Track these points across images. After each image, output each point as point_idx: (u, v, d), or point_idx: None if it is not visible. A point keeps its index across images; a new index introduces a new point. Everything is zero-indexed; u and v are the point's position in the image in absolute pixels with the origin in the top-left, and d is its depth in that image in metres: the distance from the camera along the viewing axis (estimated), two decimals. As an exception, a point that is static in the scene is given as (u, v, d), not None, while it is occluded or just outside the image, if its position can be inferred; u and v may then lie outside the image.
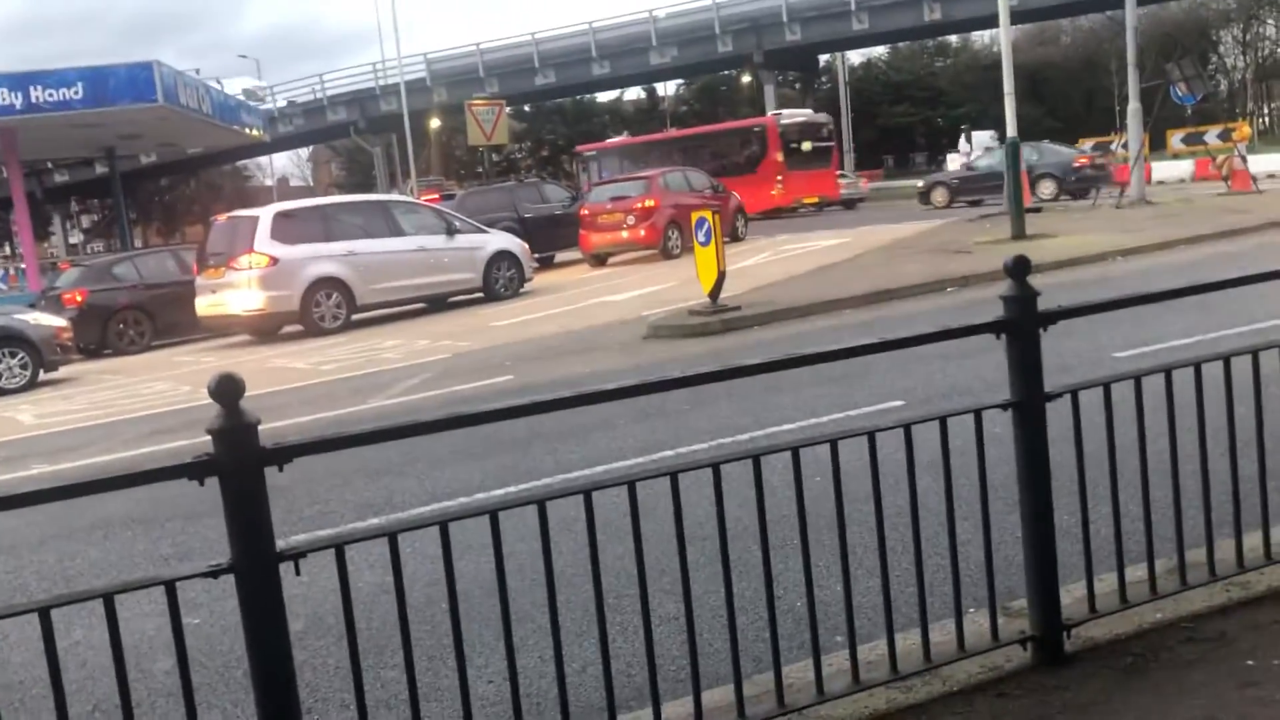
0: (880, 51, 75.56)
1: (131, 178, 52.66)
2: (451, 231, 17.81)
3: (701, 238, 11.96)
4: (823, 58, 60.32)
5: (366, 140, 60.73)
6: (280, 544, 2.44)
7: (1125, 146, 24.71)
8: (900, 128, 73.52)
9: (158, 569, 5.48)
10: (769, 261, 18.26)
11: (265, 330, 16.50)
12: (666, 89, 76.12)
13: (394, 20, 59.44)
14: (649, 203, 21.70)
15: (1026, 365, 3.17)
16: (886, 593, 3.07)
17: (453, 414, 2.71)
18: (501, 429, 6.89)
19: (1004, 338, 3.17)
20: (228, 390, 2.35)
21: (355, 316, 16.50)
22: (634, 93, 76.63)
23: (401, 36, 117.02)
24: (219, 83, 29.50)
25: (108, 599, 2.33)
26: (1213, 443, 3.48)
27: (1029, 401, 3.16)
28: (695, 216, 12.37)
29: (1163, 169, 31.66)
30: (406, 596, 2.61)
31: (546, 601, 2.73)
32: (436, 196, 24.22)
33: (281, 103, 58.23)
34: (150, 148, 39.60)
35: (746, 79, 62.68)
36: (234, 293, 15.89)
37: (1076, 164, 28.79)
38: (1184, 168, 32.14)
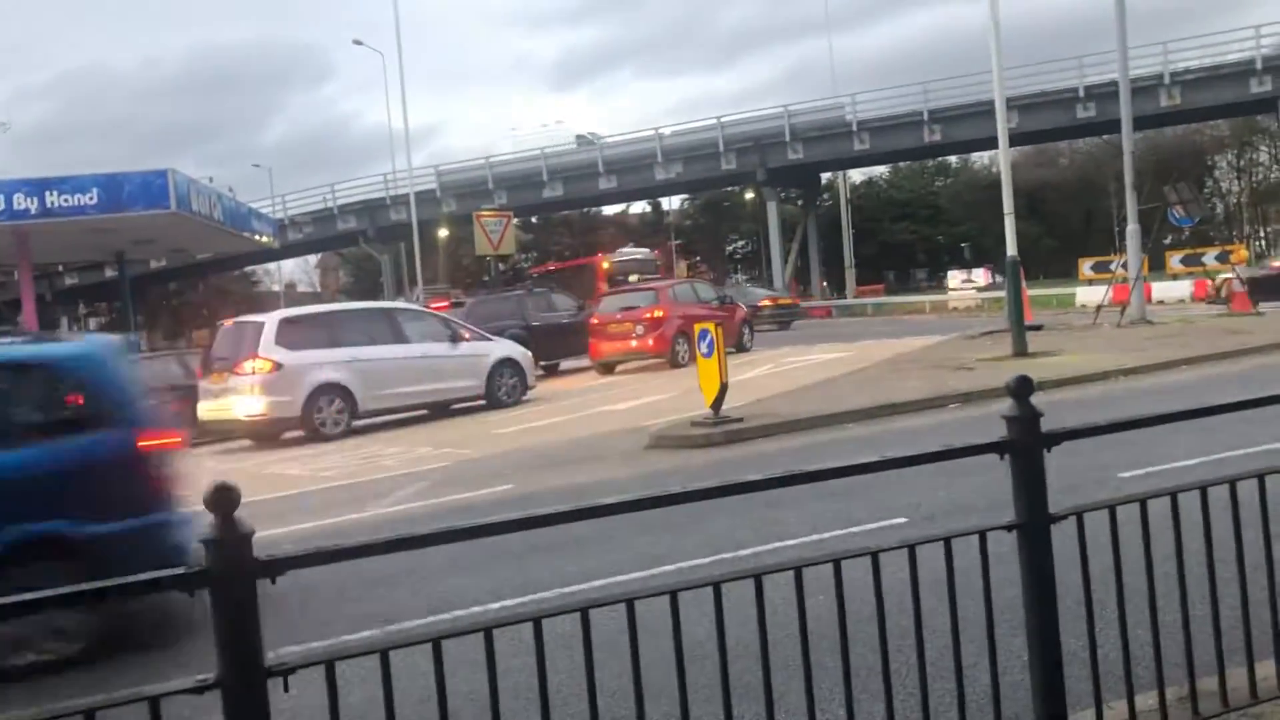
0: (882, 170, 77.17)
1: (140, 281, 53.29)
2: (455, 339, 17.92)
3: (704, 349, 12.02)
4: (825, 175, 61.42)
5: (375, 248, 61.56)
6: (270, 657, 2.38)
7: (1125, 267, 25.00)
8: (901, 244, 74.61)
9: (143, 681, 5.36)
10: (771, 374, 18.31)
11: (266, 436, 16.47)
12: (671, 203, 77.47)
13: (405, 133, 60.71)
14: (658, 313, 22.13)
15: (1031, 486, 3.14)
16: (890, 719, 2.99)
17: (448, 528, 2.68)
18: (499, 540, 6.81)
19: (1007, 458, 3.15)
20: (223, 500, 2.32)
21: (357, 423, 16.49)
22: (640, 206, 77.93)
23: (426, 142, 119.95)
24: (231, 190, 30.02)
25: (88, 717, 2.26)
26: (1221, 567, 3.42)
27: (1034, 523, 3.13)
28: (699, 328, 12.46)
29: (1162, 289, 31.99)
30: (397, 714, 2.54)
31: (540, 722, 2.65)
32: (446, 304, 24.51)
33: (293, 210, 59.20)
34: (161, 253, 40.15)
35: (750, 195, 63.81)
36: (237, 397, 15.95)
37: (760, 304, 36.13)
38: (1183, 288, 32.46)
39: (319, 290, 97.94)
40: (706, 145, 52.00)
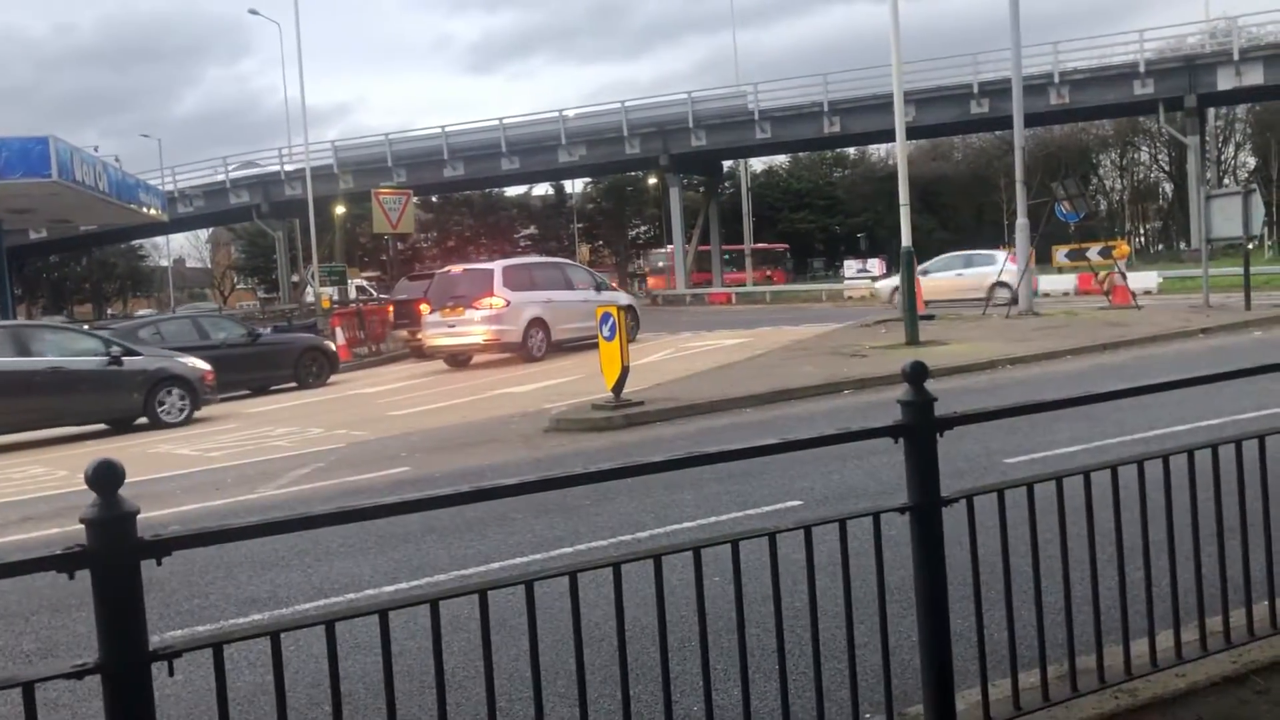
0: (782, 160, 78.05)
1: (19, 253, 51.09)
2: (599, 288, 22.32)
3: (606, 332, 12.01)
4: (727, 163, 61.88)
5: (268, 224, 60.04)
6: (154, 641, 2.30)
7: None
8: (800, 233, 75.62)
9: (18, 667, 5.16)
10: (671, 358, 18.40)
11: (490, 354, 20.49)
12: (575, 186, 77.18)
13: (302, 106, 59.42)
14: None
15: (924, 469, 3.20)
16: (785, 698, 3.03)
17: (342, 508, 2.62)
18: (395, 522, 6.71)
19: (902, 441, 3.21)
20: (105, 478, 2.23)
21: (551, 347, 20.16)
22: (543, 188, 77.46)
23: (339, 119, 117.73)
24: (118, 160, 28.93)
25: (-42, 701, 2.16)
26: (1100, 549, 3.55)
27: (926, 505, 3.19)
28: (600, 312, 12.43)
29: (1048, 282, 33.01)
30: (288, 698, 2.48)
31: (436, 705, 2.62)
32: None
33: (183, 183, 57.37)
34: (41, 223, 38.57)
35: (653, 180, 63.94)
36: (476, 326, 19.90)
37: None
38: (1068, 282, 33.53)
39: (209, 265, 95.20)
40: (610, 129, 51.88)
